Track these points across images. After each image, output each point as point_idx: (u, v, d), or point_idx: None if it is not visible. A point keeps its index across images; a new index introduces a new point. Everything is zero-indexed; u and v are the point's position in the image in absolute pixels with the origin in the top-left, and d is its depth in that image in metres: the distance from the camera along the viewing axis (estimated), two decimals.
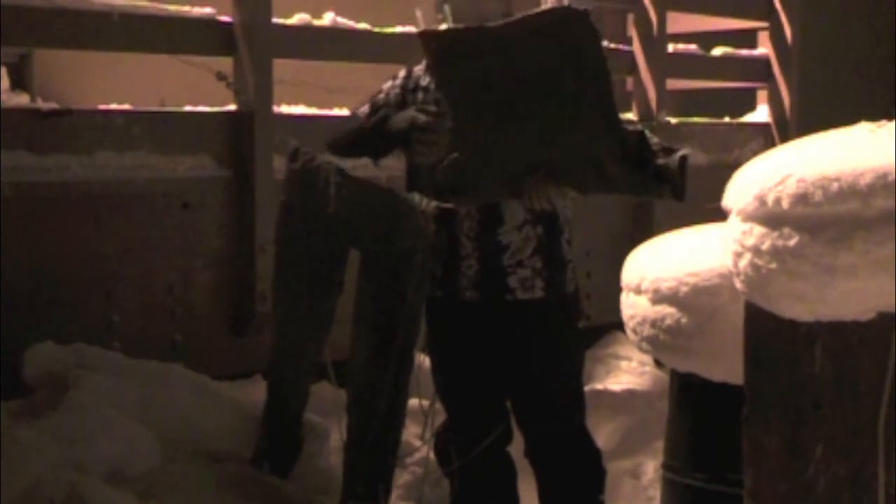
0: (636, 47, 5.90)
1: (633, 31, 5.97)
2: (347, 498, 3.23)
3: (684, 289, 3.09)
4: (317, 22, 4.63)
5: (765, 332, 2.35)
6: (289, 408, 3.54)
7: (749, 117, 6.83)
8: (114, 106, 4.24)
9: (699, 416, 3.28)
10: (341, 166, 3.33)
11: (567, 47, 2.77)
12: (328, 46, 4.67)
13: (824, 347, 2.24)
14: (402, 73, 3.22)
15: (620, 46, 6.00)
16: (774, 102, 6.66)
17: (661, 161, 2.87)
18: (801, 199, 2.15)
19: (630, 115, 5.86)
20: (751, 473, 2.39)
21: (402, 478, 3.67)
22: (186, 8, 4.31)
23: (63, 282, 3.88)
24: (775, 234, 2.20)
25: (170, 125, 4.17)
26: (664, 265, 3.19)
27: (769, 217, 2.21)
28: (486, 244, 3.08)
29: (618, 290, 3.36)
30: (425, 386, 3.27)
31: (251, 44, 4.27)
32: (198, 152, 4.21)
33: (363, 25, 4.77)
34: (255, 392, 3.81)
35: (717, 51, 6.57)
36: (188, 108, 4.38)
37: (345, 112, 4.21)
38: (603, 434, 4.24)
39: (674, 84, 6.24)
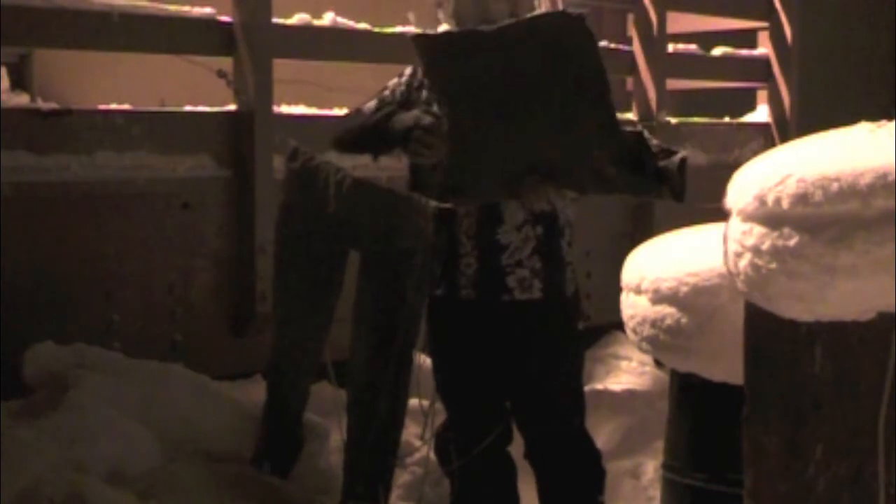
0: (636, 47, 5.90)
1: (633, 31, 5.97)
2: (347, 498, 3.23)
3: (684, 289, 3.09)
4: (317, 22, 4.63)
5: (765, 332, 2.35)
6: (289, 408, 3.54)
7: (749, 117, 6.83)
8: (114, 106, 4.24)
9: (699, 416, 3.28)
10: (340, 166, 3.33)
11: (564, 51, 2.77)
12: (328, 46, 4.67)
13: (824, 347, 2.24)
14: (408, 70, 3.22)
15: (620, 46, 6.00)
16: (774, 102, 6.66)
17: (661, 163, 2.87)
18: (801, 199, 2.15)
19: (630, 115, 5.86)
20: (751, 473, 2.39)
21: (402, 478, 3.67)
22: (186, 8, 4.31)
23: (63, 282, 3.88)
24: (775, 234, 2.20)
25: (170, 125, 4.17)
26: (664, 265, 3.19)
27: (769, 217, 2.21)
28: (485, 243, 3.08)
29: (618, 290, 3.36)
30: (425, 386, 3.27)
31: (251, 44, 4.27)
32: (198, 152, 4.21)
33: (363, 25, 4.77)
34: (255, 392, 3.81)
35: (717, 51, 6.57)
36: (188, 108, 4.38)
37: (345, 112, 4.21)
38: (603, 434, 4.25)
39: (674, 84, 6.24)
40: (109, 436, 3.27)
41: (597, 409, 4.12)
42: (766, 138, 6.55)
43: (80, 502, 2.93)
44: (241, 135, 4.28)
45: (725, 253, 2.38)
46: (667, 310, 3.13)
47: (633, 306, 3.25)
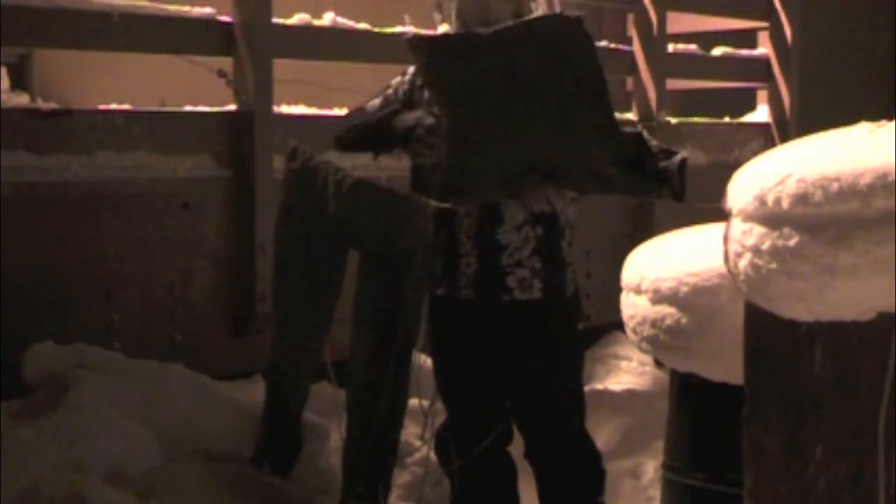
0: (636, 47, 5.90)
1: (633, 31, 5.97)
2: (347, 498, 3.23)
3: (684, 289, 3.09)
4: (317, 22, 4.63)
5: (765, 332, 2.35)
6: (288, 408, 3.54)
7: (749, 117, 6.83)
8: (114, 106, 4.24)
9: (699, 416, 3.28)
10: (340, 166, 3.33)
11: (561, 53, 2.77)
12: (328, 46, 4.67)
13: (824, 347, 2.24)
14: (411, 69, 3.21)
15: (620, 46, 6.00)
16: (774, 102, 6.66)
17: (662, 164, 2.87)
18: (801, 199, 2.15)
19: (630, 115, 5.86)
20: (751, 473, 2.39)
21: (402, 478, 3.67)
22: (186, 8, 4.31)
23: (63, 282, 3.88)
24: (775, 234, 2.20)
25: (170, 125, 4.17)
26: (664, 265, 3.19)
27: (769, 217, 2.21)
28: (485, 243, 3.08)
29: (618, 290, 3.36)
30: (425, 386, 3.27)
31: (251, 44, 4.27)
32: (198, 152, 4.21)
33: (363, 25, 4.77)
34: (255, 392, 3.81)
35: (717, 51, 6.57)
36: (188, 108, 4.38)
37: (345, 112, 4.21)
38: (603, 434, 4.25)
39: (674, 84, 6.24)
40: (109, 436, 3.27)
41: (597, 409, 4.12)
42: (766, 138, 6.56)
43: (80, 502, 2.93)
44: (241, 135, 4.28)
45: (725, 253, 2.39)
46: (667, 310, 3.13)
47: (633, 306, 3.25)
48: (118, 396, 3.44)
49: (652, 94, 5.84)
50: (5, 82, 5.06)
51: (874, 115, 2.41)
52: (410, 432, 3.67)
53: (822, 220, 2.14)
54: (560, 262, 3.13)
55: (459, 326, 3.16)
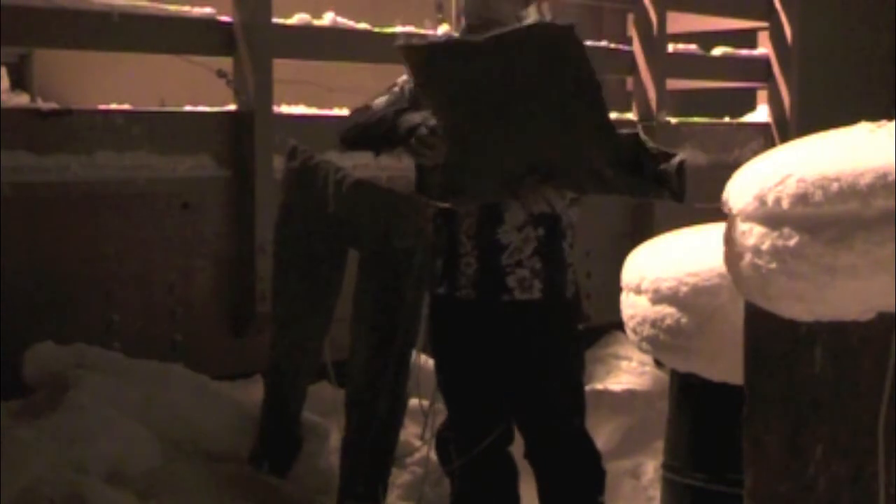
0: (636, 47, 5.90)
1: (633, 31, 5.97)
2: (346, 497, 3.23)
3: (684, 289, 3.09)
4: (317, 22, 4.63)
5: (765, 332, 2.35)
6: (288, 407, 3.54)
7: (749, 117, 6.83)
8: (114, 106, 4.24)
9: (699, 416, 3.28)
10: (340, 165, 3.33)
11: (553, 62, 2.77)
12: (328, 46, 4.67)
13: (824, 347, 2.24)
14: None
15: (620, 46, 6.00)
16: (774, 102, 6.66)
17: (661, 166, 2.87)
18: (801, 199, 2.15)
19: (630, 115, 5.86)
20: (751, 473, 2.39)
21: (402, 478, 3.68)
22: (186, 8, 4.32)
23: (63, 282, 3.88)
24: (775, 234, 2.20)
25: (170, 125, 4.17)
26: (664, 265, 3.19)
27: (769, 217, 2.21)
28: (485, 243, 3.08)
29: (618, 290, 3.36)
30: (425, 386, 3.27)
31: (251, 44, 4.27)
32: (198, 152, 4.21)
33: (363, 25, 4.77)
34: (255, 392, 3.81)
35: (717, 51, 6.57)
36: (188, 108, 4.38)
37: (345, 112, 4.21)
38: (603, 434, 4.25)
39: (674, 84, 6.24)
40: (109, 436, 3.27)
41: (597, 409, 4.12)
42: (766, 138, 6.56)
43: (80, 502, 2.94)
44: (241, 135, 4.28)
45: (725, 253, 2.39)
46: (667, 310, 3.13)
47: (633, 306, 3.25)
48: (118, 396, 3.44)
49: (652, 93, 5.84)
50: (5, 82, 5.06)
51: (874, 115, 2.41)
52: (410, 432, 3.67)
53: (822, 220, 2.14)
54: (561, 263, 3.13)
55: (459, 326, 3.16)
